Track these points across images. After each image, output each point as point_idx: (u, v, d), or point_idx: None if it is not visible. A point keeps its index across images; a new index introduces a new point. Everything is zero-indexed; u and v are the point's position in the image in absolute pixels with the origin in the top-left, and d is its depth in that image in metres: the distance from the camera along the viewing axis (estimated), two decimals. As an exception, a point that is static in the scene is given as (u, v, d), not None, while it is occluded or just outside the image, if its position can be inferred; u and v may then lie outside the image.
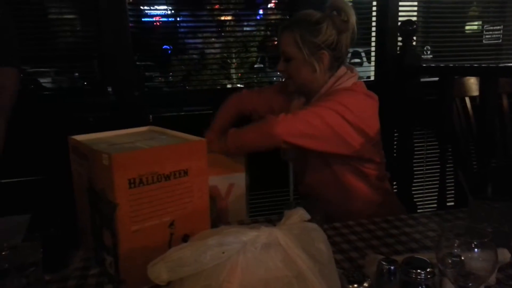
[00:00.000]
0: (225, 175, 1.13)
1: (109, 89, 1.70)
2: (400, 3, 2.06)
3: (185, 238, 0.79)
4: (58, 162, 1.08)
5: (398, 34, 1.96)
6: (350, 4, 1.25)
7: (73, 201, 0.88)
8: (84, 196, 0.82)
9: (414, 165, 1.93)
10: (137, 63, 1.94)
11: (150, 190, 0.75)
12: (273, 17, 2.61)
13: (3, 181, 1.23)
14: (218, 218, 1.04)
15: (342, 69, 1.24)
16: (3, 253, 0.71)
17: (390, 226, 1.00)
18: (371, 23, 2.16)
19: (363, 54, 5.25)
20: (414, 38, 1.92)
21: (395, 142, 2.04)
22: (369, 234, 0.96)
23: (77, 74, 2.13)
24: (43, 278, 0.70)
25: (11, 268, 0.68)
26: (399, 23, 1.94)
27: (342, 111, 1.13)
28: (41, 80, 2.08)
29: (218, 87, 2.31)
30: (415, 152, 1.93)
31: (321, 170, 1.25)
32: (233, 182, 1.13)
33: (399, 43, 1.95)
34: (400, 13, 2.06)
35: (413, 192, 1.96)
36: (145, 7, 2.26)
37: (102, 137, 0.88)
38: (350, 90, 1.21)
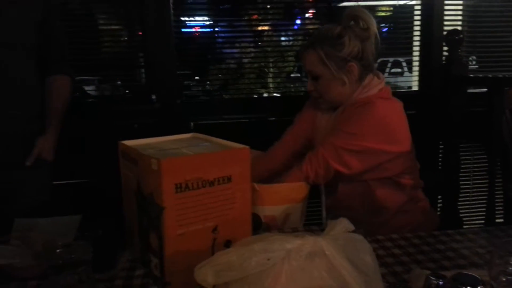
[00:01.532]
0: (283, 205, 1.13)
1: (153, 97, 1.76)
2: (445, 12, 2.01)
3: (227, 244, 0.81)
4: (106, 165, 1.13)
5: (444, 44, 1.90)
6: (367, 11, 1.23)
7: (121, 204, 0.92)
8: (132, 199, 0.85)
9: (460, 179, 1.85)
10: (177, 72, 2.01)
11: (195, 195, 0.77)
12: (310, 26, 2.62)
13: (55, 182, 1.31)
14: None
15: (369, 77, 1.23)
16: (57, 250, 0.76)
17: (436, 241, 0.96)
18: (412, 32, 2.12)
19: (404, 64, 5.13)
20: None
21: (440, 155, 1.97)
22: (414, 249, 0.93)
23: (119, 82, 2.23)
24: (93, 276, 0.73)
25: (65, 264, 0.72)
26: (445, 32, 1.88)
27: (352, 145, 1.14)
28: (86, 88, 2.19)
29: (255, 96, 2.34)
30: (461, 166, 1.86)
31: (353, 182, 1.23)
32: (290, 212, 1.13)
33: (445, 53, 1.89)
34: (444, 22, 2.01)
35: (459, 207, 1.88)
36: (186, 18, 2.34)
37: (150, 143, 0.92)
38: (369, 103, 1.18)
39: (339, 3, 2.57)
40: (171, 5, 1.81)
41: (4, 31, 1.15)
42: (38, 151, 1.22)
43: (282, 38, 2.58)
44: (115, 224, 0.90)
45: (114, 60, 2.07)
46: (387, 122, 1.16)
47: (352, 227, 0.70)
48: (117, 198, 0.92)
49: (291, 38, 2.62)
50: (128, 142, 0.89)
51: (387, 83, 1.31)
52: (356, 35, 1.18)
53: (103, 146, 1.23)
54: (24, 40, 1.20)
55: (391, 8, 2.47)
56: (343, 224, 0.70)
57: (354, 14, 1.20)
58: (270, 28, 2.43)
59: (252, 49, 2.39)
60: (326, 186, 1.23)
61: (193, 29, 2.74)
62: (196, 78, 2.47)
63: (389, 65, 5.93)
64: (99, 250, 0.81)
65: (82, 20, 1.91)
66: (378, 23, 2.84)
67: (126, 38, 2.18)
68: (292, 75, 3.05)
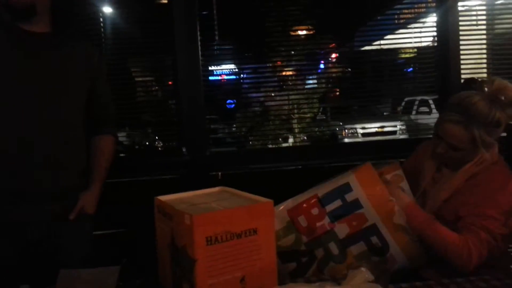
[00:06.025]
0: None
1: (184, 149, 1.87)
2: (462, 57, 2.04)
3: (254, 294, 0.85)
4: (141, 215, 1.22)
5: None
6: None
7: (155, 254, 0.99)
8: (166, 250, 0.92)
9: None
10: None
11: (224, 247, 0.84)
12: (334, 70, 2.73)
13: (96, 232, 1.39)
14: None
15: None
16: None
17: (488, 286, 0.95)
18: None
19: (431, 102, 5.11)
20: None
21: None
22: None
23: (149, 130, 2.35)
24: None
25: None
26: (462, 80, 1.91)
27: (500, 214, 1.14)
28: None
29: (283, 145, 2.42)
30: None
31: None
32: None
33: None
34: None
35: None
36: (213, 67, 2.49)
37: (182, 197, 1.00)
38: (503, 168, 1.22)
39: (361, 47, 2.68)
40: (200, 57, 1.91)
41: (60, 94, 1.28)
42: (82, 205, 1.31)
43: (307, 82, 2.70)
44: (151, 273, 0.97)
45: (146, 109, 2.23)
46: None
47: (371, 277, 0.74)
48: (152, 248, 0.99)
49: (315, 82, 2.73)
50: (163, 197, 0.97)
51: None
52: (507, 115, 1.19)
53: (139, 198, 1.33)
54: (77, 103, 1.33)
55: (415, 50, 2.54)
56: (362, 274, 0.74)
57: (499, 87, 1.18)
58: (294, 73, 2.54)
59: (277, 94, 2.50)
60: None
61: (220, 77, 2.91)
62: (223, 124, 2.59)
63: (416, 102, 5.93)
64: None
65: (116, 69, 2.04)
66: (403, 64, 2.86)
67: (161, 98, 2.35)
68: (317, 117, 3.10)
